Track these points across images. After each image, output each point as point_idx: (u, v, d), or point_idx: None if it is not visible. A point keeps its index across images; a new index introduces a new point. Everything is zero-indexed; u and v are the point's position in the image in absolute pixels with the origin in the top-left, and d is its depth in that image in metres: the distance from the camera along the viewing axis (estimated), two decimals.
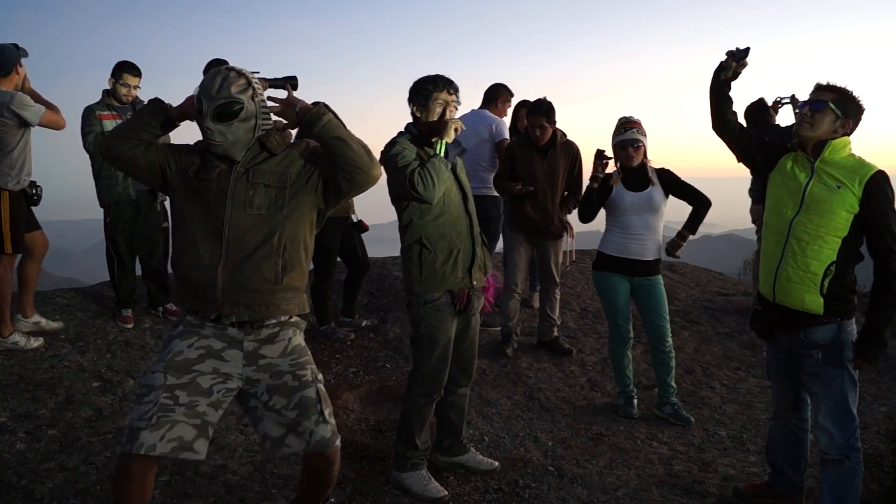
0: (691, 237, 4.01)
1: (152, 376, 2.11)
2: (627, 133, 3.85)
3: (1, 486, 2.83)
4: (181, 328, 2.22)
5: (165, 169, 2.22)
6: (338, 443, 2.23)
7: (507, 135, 5.06)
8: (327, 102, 4.45)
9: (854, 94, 2.63)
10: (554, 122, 4.53)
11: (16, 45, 3.85)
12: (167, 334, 2.25)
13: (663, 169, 3.96)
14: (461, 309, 2.93)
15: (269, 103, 2.23)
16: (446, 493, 3.02)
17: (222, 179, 2.17)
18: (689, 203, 3.96)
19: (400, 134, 2.97)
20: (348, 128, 2.24)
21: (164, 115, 2.21)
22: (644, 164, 3.90)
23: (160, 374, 2.11)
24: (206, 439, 2.11)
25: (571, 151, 4.64)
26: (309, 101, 2.29)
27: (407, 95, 2.95)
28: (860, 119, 2.65)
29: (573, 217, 4.61)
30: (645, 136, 3.87)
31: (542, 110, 4.48)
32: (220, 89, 2.10)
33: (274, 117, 2.25)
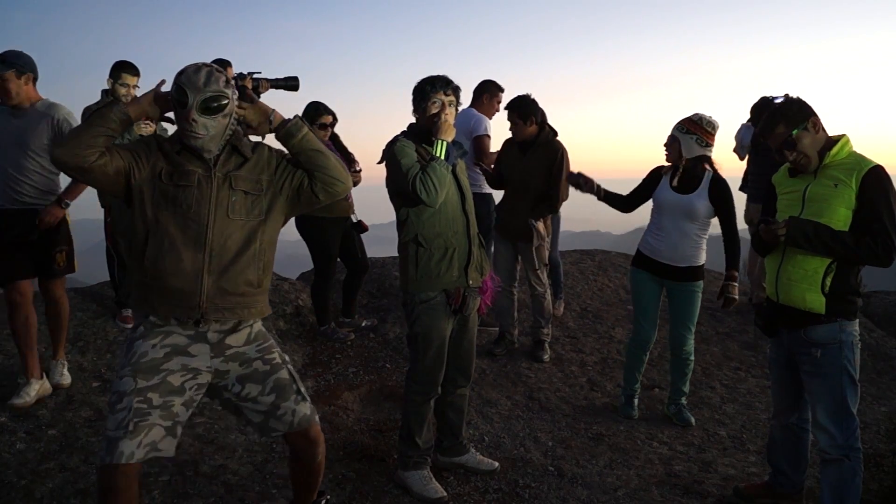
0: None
1: (121, 382, 2.06)
2: (673, 128, 3.75)
3: (1, 486, 2.83)
4: (142, 329, 2.15)
5: (130, 175, 2.09)
6: (317, 419, 2.32)
7: (482, 131, 4.93)
8: (324, 102, 4.46)
9: (787, 101, 2.61)
10: (529, 120, 4.43)
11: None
12: (128, 338, 2.19)
13: (719, 179, 3.70)
14: (457, 308, 2.94)
15: (237, 109, 2.18)
16: (445, 494, 3.02)
17: (203, 185, 2.13)
18: (720, 224, 3.72)
19: (403, 133, 2.98)
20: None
21: (124, 115, 2.07)
22: (696, 167, 3.69)
23: (129, 378, 2.05)
24: (174, 438, 2.09)
25: (551, 151, 4.46)
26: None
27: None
28: (809, 107, 2.61)
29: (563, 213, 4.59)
30: (690, 135, 3.65)
31: (512, 106, 4.51)
32: (208, 82, 2.08)
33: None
